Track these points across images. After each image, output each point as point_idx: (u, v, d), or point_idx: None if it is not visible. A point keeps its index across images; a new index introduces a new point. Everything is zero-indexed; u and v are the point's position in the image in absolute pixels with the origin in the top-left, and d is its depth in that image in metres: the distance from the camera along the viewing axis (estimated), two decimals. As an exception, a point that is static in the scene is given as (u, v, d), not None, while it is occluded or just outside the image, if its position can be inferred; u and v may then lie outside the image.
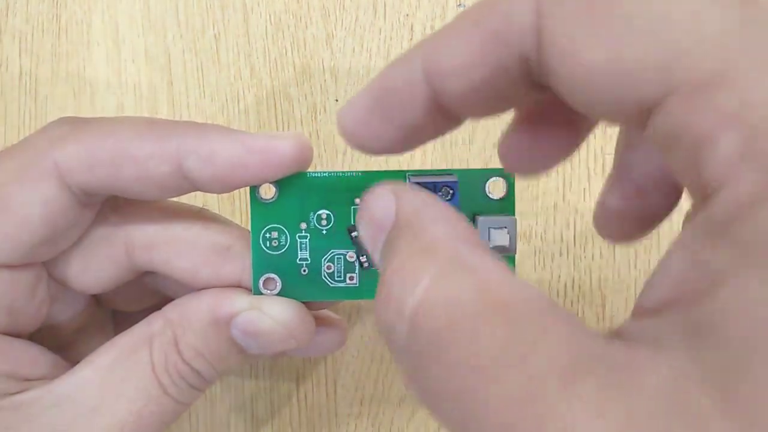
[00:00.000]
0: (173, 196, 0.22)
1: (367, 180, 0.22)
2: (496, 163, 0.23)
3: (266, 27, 0.31)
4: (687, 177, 0.13)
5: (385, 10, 0.31)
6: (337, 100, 0.31)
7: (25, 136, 0.23)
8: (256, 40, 0.31)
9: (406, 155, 0.30)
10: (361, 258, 0.22)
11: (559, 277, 0.30)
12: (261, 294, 0.23)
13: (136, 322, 0.23)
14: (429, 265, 0.13)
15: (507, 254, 0.21)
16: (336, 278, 0.23)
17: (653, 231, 0.19)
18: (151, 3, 0.31)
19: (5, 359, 0.22)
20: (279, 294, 0.23)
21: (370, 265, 0.22)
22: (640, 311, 0.13)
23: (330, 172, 0.22)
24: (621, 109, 0.13)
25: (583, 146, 0.19)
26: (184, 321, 0.22)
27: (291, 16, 0.31)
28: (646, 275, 0.26)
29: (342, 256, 0.23)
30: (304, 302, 0.23)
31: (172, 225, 0.23)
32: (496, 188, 0.22)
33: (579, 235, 0.30)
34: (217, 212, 0.26)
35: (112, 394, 0.22)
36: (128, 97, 0.31)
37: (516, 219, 0.22)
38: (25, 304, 0.22)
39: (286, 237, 0.22)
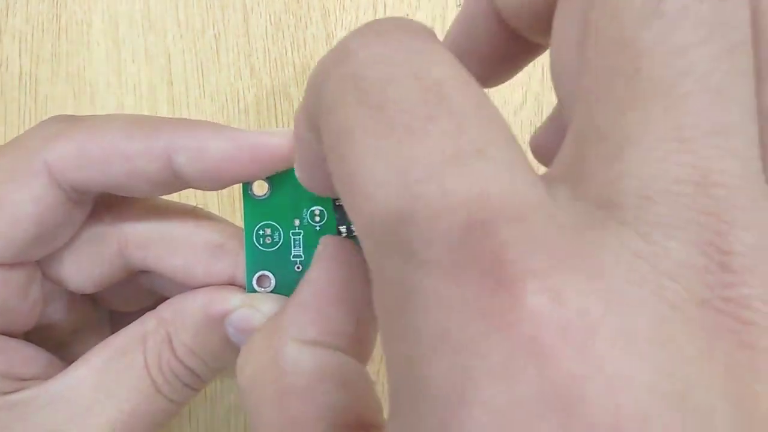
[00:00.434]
0: (166, 193, 0.22)
1: None
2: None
3: (266, 27, 0.31)
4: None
5: (385, 10, 0.31)
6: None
7: (25, 136, 0.23)
8: (256, 40, 0.31)
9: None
10: None
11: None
12: (255, 291, 0.22)
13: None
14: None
15: None
16: None
17: None
18: (151, 3, 0.31)
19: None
20: (273, 291, 0.22)
21: None
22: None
23: None
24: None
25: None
26: (177, 319, 0.22)
27: (291, 16, 0.31)
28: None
29: None
30: (298, 300, 0.23)
31: (165, 223, 0.23)
32: None
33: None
34: (218, 212, 0.26)
35: (106, 393, 0.22)
36: (128, 97, 0.31)
37: None
38: (18, 304, 0.22)
39: (280, 234, 0.22)
